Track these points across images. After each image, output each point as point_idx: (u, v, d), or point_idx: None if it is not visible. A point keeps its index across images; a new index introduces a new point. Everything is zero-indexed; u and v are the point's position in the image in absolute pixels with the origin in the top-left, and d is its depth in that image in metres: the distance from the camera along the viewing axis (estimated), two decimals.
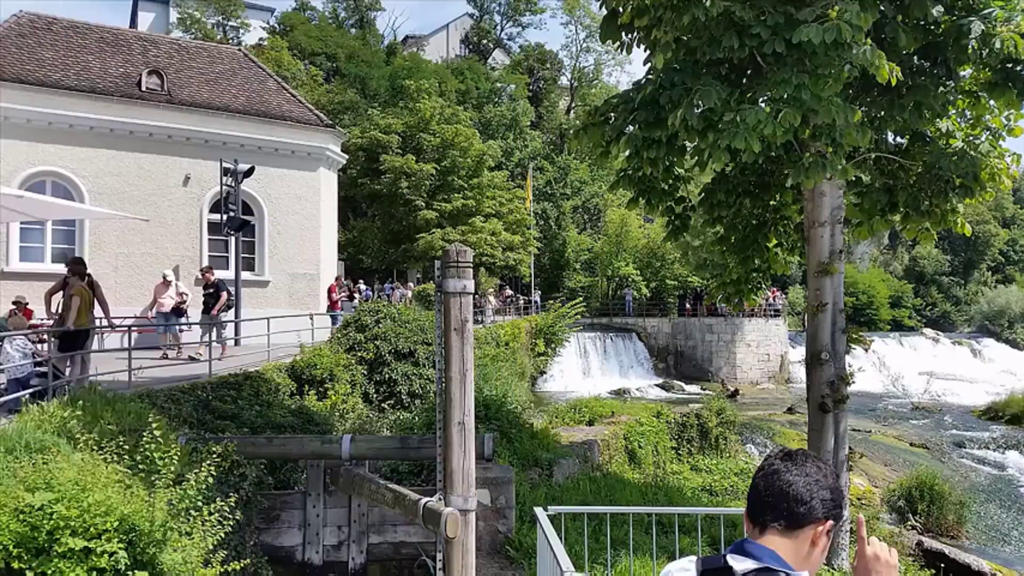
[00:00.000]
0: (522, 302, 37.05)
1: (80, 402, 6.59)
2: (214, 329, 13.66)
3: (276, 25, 50.03)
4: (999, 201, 62.82)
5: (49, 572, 4.26)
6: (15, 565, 4.22)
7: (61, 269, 11.53)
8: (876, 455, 19.22)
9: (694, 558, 1.76)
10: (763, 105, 7.67)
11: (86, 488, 4.55)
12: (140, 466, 5.54)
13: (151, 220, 16.67)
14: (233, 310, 15.95)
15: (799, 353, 31.70)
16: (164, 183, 18.03)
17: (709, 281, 24.81)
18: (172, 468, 5.55)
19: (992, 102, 9.28)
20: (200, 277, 15.68)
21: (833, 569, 8.91)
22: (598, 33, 9.74)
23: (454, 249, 6.04)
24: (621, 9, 8.52)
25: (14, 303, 12.18)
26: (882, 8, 8.04)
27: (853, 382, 10.19)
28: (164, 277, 14.78)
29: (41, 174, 16.71)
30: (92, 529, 4.40)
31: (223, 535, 5.54)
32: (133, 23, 48.54)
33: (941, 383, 35.55)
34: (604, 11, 8.85)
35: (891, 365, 37.95)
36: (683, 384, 33.52)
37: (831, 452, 9.58)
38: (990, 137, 9.80)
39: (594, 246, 46.00)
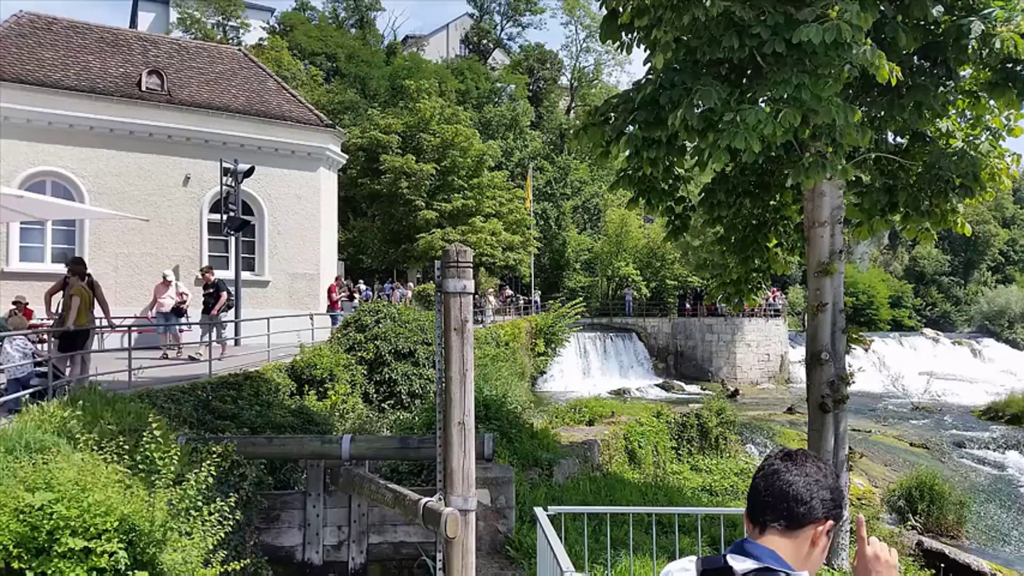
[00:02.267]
0: (522, 302, 37.03)
1: (80, 402, 6.58)
2: (214, 329, 13.67)
3: (276, 25, 50.07)
4: (999, 201, 62.84)
5: (49, 572, 4.25)
6: (15, 565, 4.22)
7: (61, 269, 11.54)
8: (876, 455, 19.23)
9: (694, 558, 1.76)
10: (763, 105, 7.66)
11: (86, 488, 4.54)
12: (140, 466, 5.53)
13: (151, 220, 16.67)
14: (233, 310, 15.95)
15: (799, 353, 31.68)
16: (164, 183, 18.03)
17: (709, 281, 24.79)
18: (172, 468, 5.54)
19: (992, 102, 9.29)
20: (200, 277, 15.68)
21: (833, 569, 8.91)
22: (598, 33, 9.74)
23: (454, 249, 6.03)
24: (621, 9, 8.51)
25: (14, 303, 12.18)
26: (882, 8, 8.04)
27: (853, 382, 10.19)
28: (164, 277, 14.78)
29: (41, 174, 16.72)
30: (92, 529, 4.40)
31: (223, 535, 5.53)
32: (133, 23, 48.54)
33: (941, 383, 35.52)
34: (604, 11, 8.84)
35: (891, 365, 37.94)
36: (683, 384, 33.51)
37: (831, 452, 9.58)
38: (990, 137, 9.81)
39: (594, 246, 46.00)
